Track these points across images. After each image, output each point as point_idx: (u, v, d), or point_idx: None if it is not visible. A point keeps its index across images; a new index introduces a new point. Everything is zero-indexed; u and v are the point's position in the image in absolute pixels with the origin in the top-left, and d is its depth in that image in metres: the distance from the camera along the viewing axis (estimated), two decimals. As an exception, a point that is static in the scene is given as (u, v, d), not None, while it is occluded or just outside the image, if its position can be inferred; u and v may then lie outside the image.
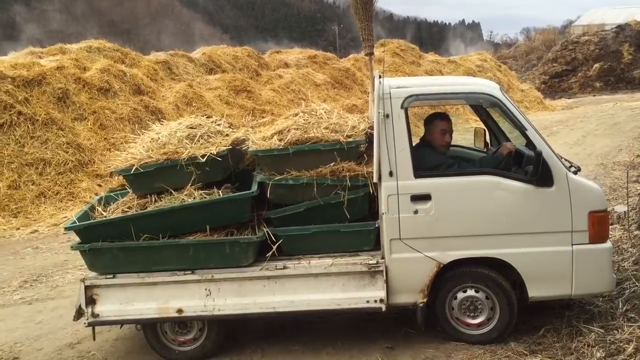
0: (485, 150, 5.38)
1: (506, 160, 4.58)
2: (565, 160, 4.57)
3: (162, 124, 5.11)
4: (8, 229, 9.58)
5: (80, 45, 15.65)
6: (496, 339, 4.48)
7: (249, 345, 4.75)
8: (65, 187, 11.18)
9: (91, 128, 12.66)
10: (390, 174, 4.36)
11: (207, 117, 5.14)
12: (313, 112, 4.81)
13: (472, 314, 4.52)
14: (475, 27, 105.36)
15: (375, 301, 4.36)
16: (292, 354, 4.59)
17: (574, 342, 4.34)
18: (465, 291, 4.50)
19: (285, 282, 4.39)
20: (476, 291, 4.48)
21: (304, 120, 4.68)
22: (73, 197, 11.03)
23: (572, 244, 4.32)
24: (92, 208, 4.81)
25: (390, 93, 4.43)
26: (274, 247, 4.41)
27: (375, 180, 4.34)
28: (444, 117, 4.93)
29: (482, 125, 5.50)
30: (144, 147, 4.69)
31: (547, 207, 4.31)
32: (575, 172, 4.44)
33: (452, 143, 5.02)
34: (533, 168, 4.25)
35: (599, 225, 4.32)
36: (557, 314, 4.82)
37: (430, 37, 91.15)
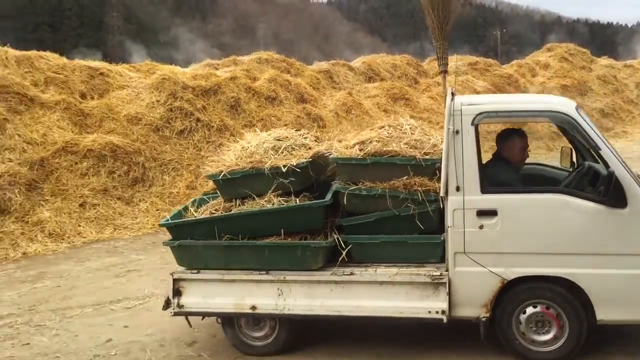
0: (570, 169, 5.20)
1: (579, 180, 4.50)
2: None
3: (256, 134, 5.42)
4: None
5: (251, 57, 16.81)
6: (564, 357, 4.38)
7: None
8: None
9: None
10: (457, 188, 4.40)
11: (295, 130, 5.44)
12: (399, 127, 4.91)
13: (539, 331, 4.45)
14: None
15: (437, 312, 4.41)
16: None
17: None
18: (534, 307, 4.42)
19: (351, 288, 4.54)
20: (546, 308, 4.40)
21: (387, 133, 4.79)
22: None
23: None
24: (186, 209, 5.21)
25: (461, 110, 4.46)
26: (344, 253, 4.58)
27: (442, 194, 4.42)
28: (522, 134, 4.94)
29: (569, 145, 5.27)
30: (235, 154, 5.02)
31: (619, 229, 4.19)
32: None
33: (537, 161, 4.82)
34: (604, 188, 4.14)
35: None
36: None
37: (604, 39, 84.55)
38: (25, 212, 9.36)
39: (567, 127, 4.48)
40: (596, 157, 4.42)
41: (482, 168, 4.51)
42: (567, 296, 4.34)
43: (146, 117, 12.35)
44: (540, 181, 4.82)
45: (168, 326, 5.64)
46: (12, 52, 12.23)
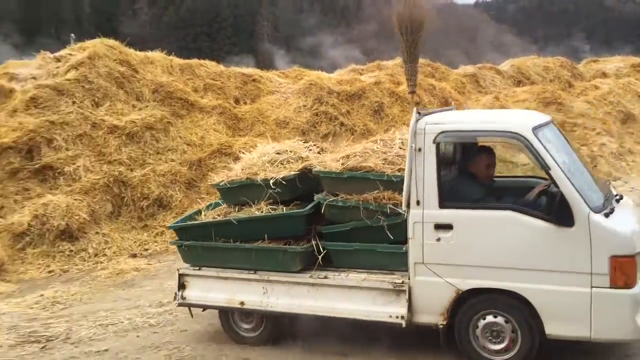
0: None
1: (534, 199, 4.58)
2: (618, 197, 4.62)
3: (263, 145, 5.95)
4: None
5: (395, 61, 16.83)
6: None
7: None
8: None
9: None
10: (418, 202, 4.63)
11: (304, 142, 5.91)
12: (389, 141, 5.21)
13: (494, 340, 4.60)
14: None
15: (397, 317, 4.73)
16: None
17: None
18: (490, 317, 4.58)
19: (324, 290, 4.97)
20: (500, 319, 4.55)
21: (375, 147, 5.12)
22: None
23: (592, 286, 4.24)
24: (199, 212, 5.79)
25: (424, 129, 4.66)
26: (319, 258, 5.00)
27: (404, 207, 4.67)
28: (490, 151, 5.09)
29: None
30: (241, 165, 5.59)
31: (566, 247, 4.28)
32: (607, 214, 4.26)
33: (516, 175, 4.65)
34: (550, 207, 4.27)
35: (620, 270, 4.17)
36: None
37: None
38: (184, 208, 10.13)
39: (520, 147, 4.57)
40: (547, 176, 4.44)
41: (442, 184, 4.65)
42: (520, 309, 4.47)
43: (293, 121, 12.85)
44: (506, 197, 4.93)
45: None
46: (177, 61, 13.35)
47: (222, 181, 5.52)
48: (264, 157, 5.59)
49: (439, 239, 4.61)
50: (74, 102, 10.75)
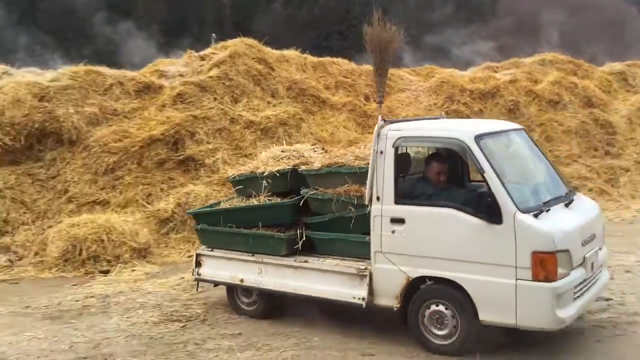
0: None
1: (477, 196, 5.06)
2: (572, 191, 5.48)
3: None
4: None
5: (533, 58, 16.05)
6: (456, 352, 5.00)
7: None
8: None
9: (537, 139, 12.86)
10: (378, 198, 5.27)
11: (312, 145, 6.83)
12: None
13: (439, 326, 5.08)
14: None
15: (359, 299, 5.36)
16: None
17: None
18: (436, 305, 5.07)
19: (304, 273, 5.72)
20: (444, 307, 5.03)
21: (359, 149, 6.00)
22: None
23: (517, 279, 4.67)
24: (219, 202, 6.75)
25: (387, 134, 5.29)
26: (299, 244, 5.80)
27: (367, 202, 5.34)
28: (440, 159, 5.51)
29: None
30: (255, 161, 6.49)
31: (496, 242, 4.74)
32: (536, 214, 4.70)
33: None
34: (480, 206, 4.79)
35: (541, 265, 4.59)
36: None
37: None
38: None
39: (461, 153, 5.12)
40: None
41: (398, 183, 5.26)
42: (460, 298, 4.94)
43: (423, 119, 12.68)
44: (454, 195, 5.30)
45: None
46: (310, 59, 13.69)
47: (233, 175, 6.45)
48: (271, 154, 6.40)
49: (393, 232, 5.20)
50: (215, 98, 11.40)
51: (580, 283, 4.93)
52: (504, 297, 4.72)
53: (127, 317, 6.32)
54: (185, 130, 10.62)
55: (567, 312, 4.71)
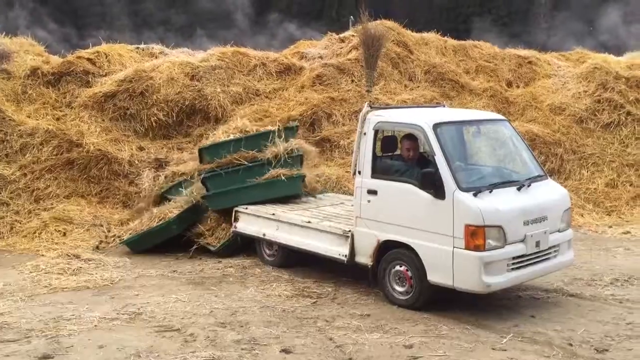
0: None
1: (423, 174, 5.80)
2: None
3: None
4: (601, 225, 9.86)
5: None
6: (410, 306, 5.94)
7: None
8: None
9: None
10: (359, 172, 6.29)
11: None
12: None
13: (400, 284, 6.04)
14: None
15: (343, 255, 6.42)
16: None
17: None
18: (399, 266, 6.01)
19: (307, 231, 6.83)
20: (404, 268, 5.97)
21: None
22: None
23: (454, 247, 5.56)
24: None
25: (370, 119, 6.27)
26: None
27: (352, 175, 6.55)
28: (409, 137, 6.38)
29: None
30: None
31: (440, 214, 5.66)
32: (475, 193, 5.57)
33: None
34: (429, 183, 5.71)
35: (471, 236, 5.46)
36: None
37: None
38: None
39: (423, 137, 6.03)
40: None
41: (375, 160, 6.24)
42: (415, 260, 5.85)
43: (570, 107, 11.92)
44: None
45: (576, 326, 5.45)
46: (451, 42, 13.33)
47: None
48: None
49: (369, 201, 6.18)
50: (352, 81, 11.48)
51: (519, 257, 5.63)
52: (445, 262, 5.59)
53: (262, 289, 6.61)
54: (323, 112, 10.83)
55: (496, 280, 5.48)
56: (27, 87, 10.75)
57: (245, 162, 7.84)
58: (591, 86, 12.10)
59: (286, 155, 7.80)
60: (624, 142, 11.50)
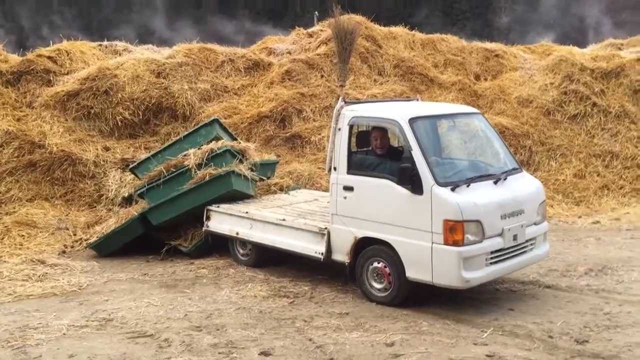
0: None
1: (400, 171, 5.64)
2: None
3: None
4: (570, 215, 9.98)
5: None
6: (389, 302, 5.83)
7: None
8: (630, 182, 10.88)
9: None
10: (335, 169, 6.18)
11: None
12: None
13: (378, 281, 5.93)
14: None
15: (319, 254, 6.31)
16: None
17: None
18: (377, 262, 5.89)
19: (282, 230, 6.67)
20: (382, 265, 5.85)
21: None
22: (638, 192, 10.63)
23: (432, 242, 5.48)
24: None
25: (344, 114, 6.18)
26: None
27: (327, 172, 6.41)
28: (377, 129, 6.27)
29: None
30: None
31: (417, 210, 5.56)
32: (453, 188, 5.48)
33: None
34: (406, 178, 5.56)
35: (450, 231, 5.38)
36: None
37: None
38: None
39: (398, 132, 5.93)
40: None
41: (350, 155, 6.13)
42: (392, 257, 5.76)
43: (538, 99, 12.04)
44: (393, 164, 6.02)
45: (555, 318, 5.45)
46: (419, 36, 13.33)
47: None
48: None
49: (345, 197, 6.07)
50: (322, 76, 11.39)
51: (497, 251, 5.59)
52: (423, 258, 5.51)
53: (237, 290, 6.45)
54: (293, 108, 10.69)
55: (475, 274, 5.42)
56: (-16, 87, 10.33)
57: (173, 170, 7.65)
58: (557, 78, 12.25)
59: (207, 156, 7.55)
60: (590, 133, 11.67)
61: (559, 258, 7.49)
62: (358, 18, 12.53)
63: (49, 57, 11.03)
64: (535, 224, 6.04)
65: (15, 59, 11.15)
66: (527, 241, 5.92)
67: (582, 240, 8.54)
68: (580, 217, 9.88)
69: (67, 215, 8.84)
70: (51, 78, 10.68)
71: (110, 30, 25.09)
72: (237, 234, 7.14)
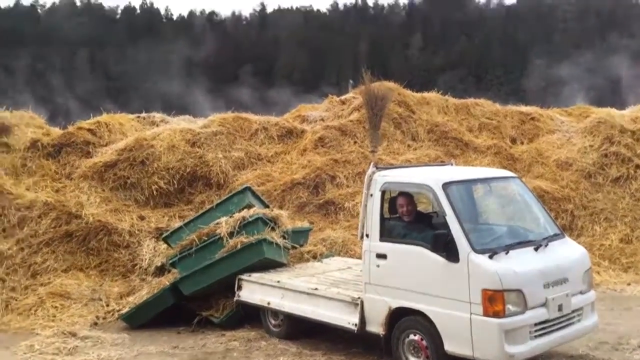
0: None
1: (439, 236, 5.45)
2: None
3: None
4: (619, 282, 9.49)
5: None
6: None
7: None
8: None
9: None
10: (367, 235, 6.03)
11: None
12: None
13: (415, 354, 5.67)
14: None
15: (352, 324, 6.05)
16: None
17: None
18: (413, 335, 5.64)
19: (313, 299, 6.47)
20: (419, 337, 5.59)
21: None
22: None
23: (471, 313, 5.18)
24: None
25: (376, 180, 6.05)
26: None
27: (359, 239, 6.26)
28: (403, 195, 6.17)
29: None
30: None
31: (454, 279, 5.30)
32: (491, 255, 5.23)
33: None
34: (441, 245, 5.37)
35: (489, 302, 5.09)
36: None
37: None
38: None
39: (431, 197, 5.78)
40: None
41: (383, 222, 5.97)
42: (430, 329, 5.46)
43: (577, 162, 11.73)
44: (425, 230, 5.90)
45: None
46: (452, 101, 13.31)
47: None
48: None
49: (378, 265, 5.87)
50: (355, 142, 11.38)
51: (541, 323, 5.27)
52: (462, 330, 5.22)
53: (268, 364, 6.22)
54: (326, 174, 10.66)
55: (519, 349, 5.10)
56: (26, 159, 10.65)
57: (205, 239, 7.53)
58: (597, 140, 11.97)
59: (239, 224, 7.43)
60: (634, 196, 11.24)
61: (609, 329, 7.03)
62: (390, 84, 12.62)
63: (89, 130, 11.35)
64: (581, 293, 5.72)
65: (56, 132, 11.52)
66: (573, 311, 5.59)
67: (632, 309, 8.06)
68: (629, 284, 9.38)
69: (100, 285, 8.81)
70: (90, 150, 10.94)
71: (150, 103, 26.03)
72: (269, 303, 6.93)
